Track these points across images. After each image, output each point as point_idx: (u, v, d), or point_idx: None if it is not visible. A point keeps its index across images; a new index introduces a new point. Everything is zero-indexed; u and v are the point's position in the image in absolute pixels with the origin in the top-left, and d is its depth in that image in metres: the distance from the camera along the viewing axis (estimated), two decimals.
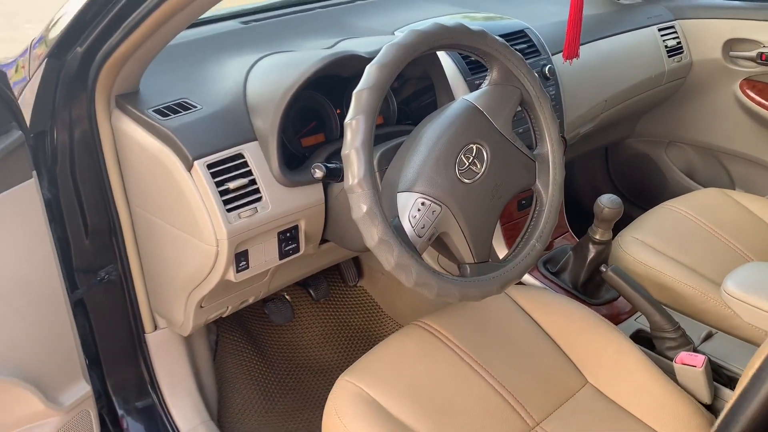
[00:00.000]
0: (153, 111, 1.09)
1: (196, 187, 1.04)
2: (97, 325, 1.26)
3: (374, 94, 0.91)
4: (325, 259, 1.40)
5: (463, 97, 1.06)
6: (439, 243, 1.00)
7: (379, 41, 1.25)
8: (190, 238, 1.09)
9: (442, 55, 1.37)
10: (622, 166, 2.20)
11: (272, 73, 1.14)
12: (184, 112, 1.09)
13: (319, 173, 1.01)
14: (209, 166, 1.04)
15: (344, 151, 0.89)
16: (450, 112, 1.03)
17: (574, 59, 1.52)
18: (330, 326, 1.73)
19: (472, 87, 1.37)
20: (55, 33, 1.07)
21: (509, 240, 1.58)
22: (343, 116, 1.26)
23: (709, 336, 1.30)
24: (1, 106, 0.98)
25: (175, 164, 1.05)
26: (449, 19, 1.11)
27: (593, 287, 1.43)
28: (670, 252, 1.51)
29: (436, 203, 0.96)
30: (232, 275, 1.10)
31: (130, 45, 1.01)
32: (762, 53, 1.80)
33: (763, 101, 1.84)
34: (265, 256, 1.13)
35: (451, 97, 1.27)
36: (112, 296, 1.26)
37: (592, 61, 1.70)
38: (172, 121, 1.07)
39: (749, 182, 1.97)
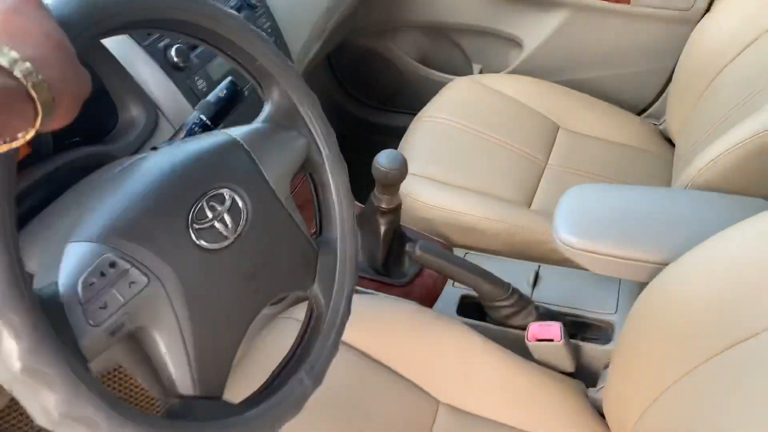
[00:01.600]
0: None
1: None
2: None
3: None
4: None
5: (222, 130, 0.64)
6: (132, 348, 0.56)
7: None
8: None
9: None
10: (351, 69, 1.88)
11: None
12: None
13: None
14: None
15: None
16: (194, 143, 0.61)
17: None
18: None
19: (156, 55, 0.88)
20: None
21: None
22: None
23: (536, 279, 1.11)
24: None
25: None
26: None
27: (394, 262, 1.14)
28: (455, 179, 1.27)
29: (142, 271, 0.53)
30: None
31: None
32: None
33: None
34: None
35: (144, 99, 0.79)
36: None
37: None
38: None
39: (485, 56, 1.79)
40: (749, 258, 0.70)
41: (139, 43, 0.86)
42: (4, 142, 0.40)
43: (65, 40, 0.45)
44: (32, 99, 0.40)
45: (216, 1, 0.61)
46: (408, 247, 1.01)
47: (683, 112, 1.35)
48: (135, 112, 0.84)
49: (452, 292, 1.11)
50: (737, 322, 0.67)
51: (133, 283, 0.52)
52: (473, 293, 1.08)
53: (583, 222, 0.91)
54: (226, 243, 0.58)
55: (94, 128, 0.82)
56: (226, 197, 0.59)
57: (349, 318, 0.71)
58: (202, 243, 0.57)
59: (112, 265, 0.51)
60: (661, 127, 1.57)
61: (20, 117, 0.40)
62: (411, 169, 1.21)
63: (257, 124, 0.67)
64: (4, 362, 0.43)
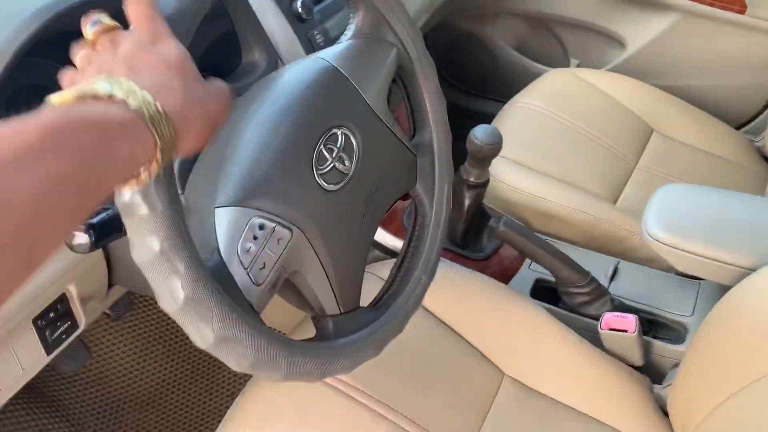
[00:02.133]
0: None
1: None
2: None
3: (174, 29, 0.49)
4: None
5: (318, 55, 0.67)
6: (287, 286, 0.63)
7: None
8: None
9: None
10: (447, 51, 1.89)
11: None
12: None
13: (81, 241, 0.56)
14: None
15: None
16: (300, 77, 0.64)
17: None
18: (140, 345, 1.31)
19: (283, 6, 0.93)
20: None
21: None
22: None
23: (615, 273, 1.11)
24: None
25: None
26: None
27: (473, 237, 1.16)
28: (542, 166, 1.28)
29: (284, 225, 0.58)
30: None
31: None
32: None
33: None
34: (20, 365, 0.69)
35: (264, 41, 0.84)
36: None
37: None
38: None
39: (584, 52, 1.78)
40: None
41: None
42: (132, 176, 0.41)
43: (187, 63, 0.46)
44: (151, 129, 0.39)
45: None
46: (492, 222, 1.03)
47: None
48: (257, 55, 0.88)
49: (527, 275, 1.13)
50: None
51: (280, 239, 0.58)
52: (548, 278, 1.09)
53: (675, 218, 0.91)
54: (345, 180, 0.63)
55: (219, 65, 0.87)
56: (339, 136, 0.63)
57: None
58: (329, 186, 0.62)
59: (261, 227, 0.56)
60: (758, 143, 1.53)
61: (142, 148, 0.40)
62: None
63: (347, 41, 0.70)
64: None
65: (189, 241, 0.48)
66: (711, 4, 1.50)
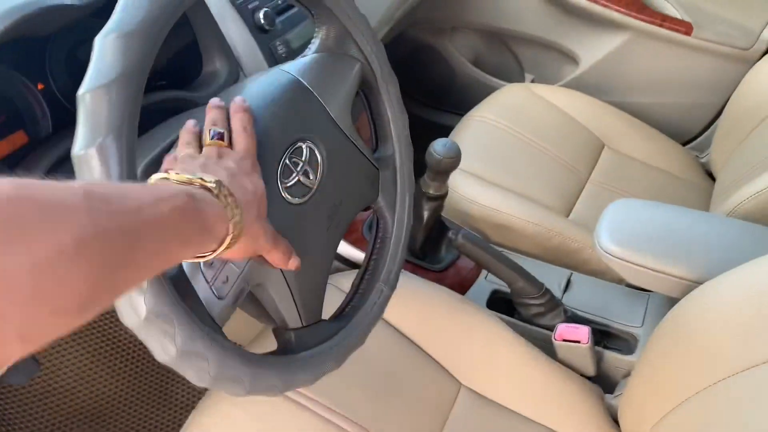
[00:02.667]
0: None
1: None
2: None
3: (142, 41, 0.50)
4: None
5: (281, 68, 0.67)
6: (248, 299, 0.63)
7: None
8: None
9: None
10: (406, 62, 1.92)
11: None
12: None
13: None
14: None
15: (76, 150, 0.47)
16: (263, 90, 0.64)
17: None
18: (91, 357, 1.28)
19: (245, 16, 0.93)
20: None
21: None
22: (51, 93, 0.77)
23: (568, 284, 1.14)
24: None
25: None
26: None
27: (431, 248, 1.17)
28: (498, 179, 1.31)
29: None
30: None
31: None
32: None
33: None
34: None
35: (226, 51, 0.83)
36: None
37: None
38: None
39: (538, 66, 1.82)
40: None
41: (232, 3, 0.91)
42: (195, 257, 0.48)
43: (264, 200, 0.56)
44: (230, 228, 0.48)
45: None
46: (451, 233, 1.04)
47: (728, 147, 1.37)
48: (219, 65, 0.88)
49: (484, 286, 1.15)
50: (758, 346, 0.70)
51: None
52: (504, 289, 1.11)
53: (626, 232, 0.94)
54: (310, 193, 0.63)
55: (179, 75, 0.87)
56: (304, 149, 0.64)
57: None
58: (293, 200, 0.62)
59: None
60: (703, 160, 1.59)
61: (217, 238, 0.48)
62: None
63: (311, 55, 0.70)
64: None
65: None
66: (660, 25, 1.55)
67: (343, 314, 0.71)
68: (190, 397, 1.28)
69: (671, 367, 0.83)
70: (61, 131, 0.76)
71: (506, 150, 1.39)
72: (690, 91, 1.63)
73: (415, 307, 1.01)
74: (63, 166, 0.74)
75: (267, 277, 0.61)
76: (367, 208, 0.76)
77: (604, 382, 1.02)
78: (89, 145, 0.46)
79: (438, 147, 1.04)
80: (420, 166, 1.07)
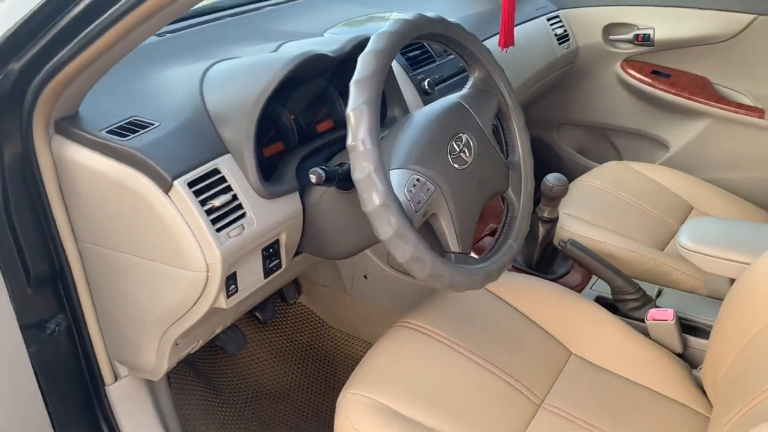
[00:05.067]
0: (107, 132, 0.97)
1: (177, 210, 0.94)
2: (46, 384, 1.09)
3: (375, 81, 0.88)
4: (288, 276, 1.33)
5: (449, 96, 1.08)
6: (426, 226, 0.98)
7: (332, 40, 1.21)
8: (169, 267, 0.98)
9: None
10: None
11: (234, 80, 1.06)
12: (143, 131, 0.98)
13: (315, 178, 0.95)
14: (190, 185, 0.94)
15: (350, 142, 0.86)
16: (439, 105, 1.04)
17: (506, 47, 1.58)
18: (279, 348, 1.65)
19: (416, 83, 1.37)
20: None
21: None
22: (297, 122, 1.21)
23: (660, 293, 1.41)
24: None
25: (147, 187, 0.94)
26: (425, 12, 1.10)
27: (545, 264, 1.49)
28: (600, 223, 1.62)
29: (431, 182, 0.95)
30: (222, 301, 1.00)
31: (83, 61, 0.89)
32: (638, 35, 1.99)
33: (642, 77, 2.02)
34: (251, 277, 1.05)
35: (402, 104, 1.26)
36: (62, 350, 1.10)
37: (497, 55, 1.77)
38: (135, 140, 0.96)
39: (634, 153, 2.16)
40: None
41: (407, 74, 1.35)
42: None
43: None
44: None
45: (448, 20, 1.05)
46: (560, 242, 1.36)
47: None
48: (396, 113, 1.30)
49: (589, 294, 1.43)
50: None
51: (428, 189, 0.95)
52: (606, 295, 1.39)
53: (699, 233, 1.24)
54: (466, 165, 1.00)
55: None
56: (463, 138, 1.02)
57: (503, 281, 1.17)
58: (455, 165, 0.99)
59: (417, 180, 0.94)
60: None
61: None
62: (564, 210, 1.59)
63: (468, 90, 1.10)
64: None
65: (385, 171, 0.86)
66: (736, 111, 1.87)
67: (484, 257, 1.05)
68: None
69: (733, 323, 1.08)
70: (303, 144, 1.19)
71: (608, 205, 1.70)
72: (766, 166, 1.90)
73: (532, 295, 1.31)
74: (303, 164, 1.15)
75: (441, 210, 0.97)
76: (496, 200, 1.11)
77: (690, 361, 1.26)
78: (354, 140, 0.87)
79: (550, 178, 1.39)
80: (535, 201, 1.42)
